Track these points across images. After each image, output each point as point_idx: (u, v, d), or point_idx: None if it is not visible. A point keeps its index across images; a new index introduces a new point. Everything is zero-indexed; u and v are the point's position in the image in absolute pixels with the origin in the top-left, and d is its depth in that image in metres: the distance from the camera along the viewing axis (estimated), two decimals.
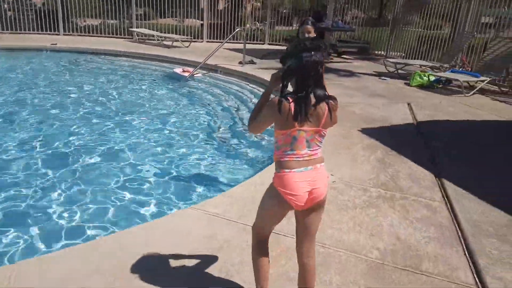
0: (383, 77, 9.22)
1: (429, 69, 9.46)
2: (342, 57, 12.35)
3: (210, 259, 2.53)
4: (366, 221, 3.13)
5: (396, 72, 9.54)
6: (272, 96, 1.94)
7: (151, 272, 2.38)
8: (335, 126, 1.99)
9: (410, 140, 5.11)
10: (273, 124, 1.89)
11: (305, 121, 1.79)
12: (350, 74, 9.46)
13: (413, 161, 4.35)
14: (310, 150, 1.85)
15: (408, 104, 6.86)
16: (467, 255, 2.77)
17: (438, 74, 8.68)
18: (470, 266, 2.66)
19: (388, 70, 9.86)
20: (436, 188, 3.77)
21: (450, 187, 3.75)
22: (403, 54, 12.21)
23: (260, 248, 2.10)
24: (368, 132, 5.21)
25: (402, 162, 4.34)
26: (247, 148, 5.13)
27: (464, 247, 2.86)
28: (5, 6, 13.69)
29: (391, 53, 12.75)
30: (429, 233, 3.02)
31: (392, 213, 3.28)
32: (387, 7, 15.98)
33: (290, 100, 1.76)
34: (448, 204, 3.47)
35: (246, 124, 1.87)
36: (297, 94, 1.78)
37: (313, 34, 4.07)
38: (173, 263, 2.49)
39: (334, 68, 10.10)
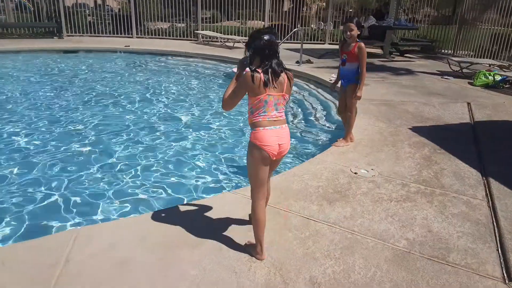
0: (445, 76, 8.89)
1: (496, 68, 8.93)
2: (406, 56, 12.03)
3: (246, 238, 2.77)
4: (400, 213, 3.20)
5: (460, 71, 9.14)
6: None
7: (193, 247, 2.69)
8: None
9: (462, 139, 4.98)
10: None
11: (272, 88, 2.32)
12: (409, 72, 9.24)
13: (461, 160, 4.28)
14: (278, 112, 2.39)
15: (468, 103, 6.61)
16: (499, 251, 2.75)
17: (505, 73, 8.19)
18: (500, 261, 2.64)
19: (452, 69, 9.48)
20: (481, 186, 3.70)
21: (495, 186, 3.67)
22: (472, 53, 11.59)
23: (262, 211, 2.50)
24: (418, 130, 5.16)
25: (449, 160, 4.29)
26: (292, 144, 5.33)
27: (498, 243, 2.84)
28: (87, 11, 15.13)
29: (459, 52, 12.17)
30: (464, 228, 3.02)
31: (429, 208, 3.30)
32: (461, 4, 15.22)
33: (260, 71, 2.28)
34: (489, 202, 3.41)
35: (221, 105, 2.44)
36: (263, 68, 2.29)
37: (355, 32, 4.16)
38: (214, 237, 2.77)
39: (393, 66, 9.92)
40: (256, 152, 2.38)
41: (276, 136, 2.36)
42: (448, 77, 8.79)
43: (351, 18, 4.26)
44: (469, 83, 8.28)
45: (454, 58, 9.88)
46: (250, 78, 2.28)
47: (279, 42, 10.09)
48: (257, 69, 2.30)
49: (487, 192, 3.59)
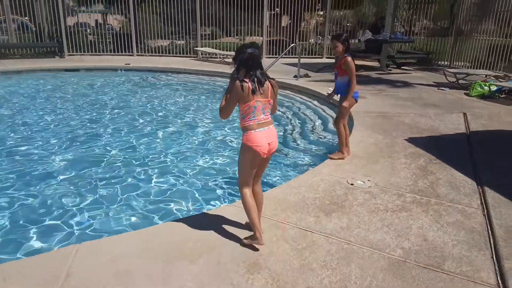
0: (441, 88, 9.00)
1: (492, 78, 9.05)
2: (402, 68, 12.18)
3: (243, 250, 2.82)
4: (396, 223, 3.24)
5: (456, 82, 9.26)
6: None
7: (192, 260, 2.73)
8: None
9: (457, 149, 5.04)
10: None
11: (259, 94, 2.62)
12: (406, 84, 9.36)
13: (456, 170, 4.34)
14: (265, 115, 2.70)
15: (464, 114, 6.69)
16: (494, 258, 2.79)
17: (500, 83, 8.29)
18: (495, 268, 2.68)
19: (448, 81, 9.59)
20: (476, 195, 3.75)
21: (490, 194, 3.72)
22: (468, 64, 11.74)
23: (251, 197, 2.79)
24: (414, 141, 5.23)
25: (444, 170, 4.34)
26: (290, 157, 5.40)
27: (493, 251, 2.87)
28: (88, 30, 15.39)
29: (455, 63, 12.32)
30: (459, 237, 3.06)
31: (424, 217, 3.35)
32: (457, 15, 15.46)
33: (247, 81, 2.57)
34: (484, 210, 3.46)
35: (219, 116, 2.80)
36: (250, 78, 2.58)
37: (340, 48, 4.27)
38: (212, 250, 2.81)
39: (390, 79, 10.05)
40: (248, 152, 2.68)
41: (265, 136, 2.69)
42: (444, 89, 8.90)
43: (336, 35, 4.42)
44: (465, 93, 8.38)
45: (450, 70, 10.00)
46: (240, 87, 2.57)
47: (277, 57, 10.26)
48: (244, 79, 2.59)
49: (482, 200, 3.64)
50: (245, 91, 2.57)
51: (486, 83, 8.21)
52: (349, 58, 4.29)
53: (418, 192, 3.82)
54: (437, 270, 2.66)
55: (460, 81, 9.20)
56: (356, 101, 4.57)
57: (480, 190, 3.85)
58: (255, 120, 2.66)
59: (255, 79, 2.59)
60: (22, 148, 5.55)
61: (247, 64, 2.61)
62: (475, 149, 5.03)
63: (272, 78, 2.71)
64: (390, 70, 11.77)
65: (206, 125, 6.82)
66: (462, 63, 12.04)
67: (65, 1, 14.77)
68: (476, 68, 11.05)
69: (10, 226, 3.60)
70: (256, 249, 2.81)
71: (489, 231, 3.13)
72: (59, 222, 3.69)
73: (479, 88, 8.13)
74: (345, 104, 4.44)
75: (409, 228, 3.17)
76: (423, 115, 6.60)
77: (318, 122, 6.89)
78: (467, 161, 4.62)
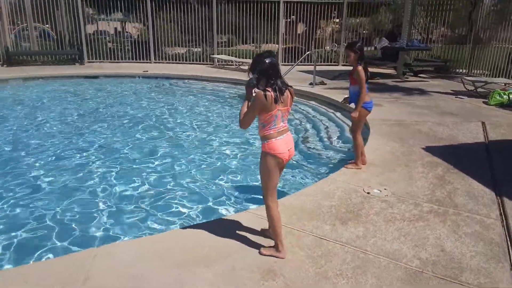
0: (459, 96, 8.89)
1: (511, 87, 8.89)
2: (419, 76, 12.08)
3: (258, 257, 2.83)
4: (412, 233, 3.21)
5: (474, 90, 9.13)
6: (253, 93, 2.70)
7: (207, 265, 2.76)
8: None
9: (476, 159, 4.97)
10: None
11: (280, 103, 2.64)
12: (423, 92, 9.27)
13: (475, 179, 4.27)
14: (283, 123, 2.73)
15: (482, 123, 6.59)
16: None
17: None
18: None
19: (466, 89, 9.47)
20: (495, 206, 3.69)
21: (509, 205, 3.66)
22: (487, 72, 11.56)
23: (277, 207, 2.82)
24: (431, 150, 5.17)
25: (462, 179, 4.29)
26: (305, 164, 5.40)
27: None
28: (107, 38, 15.70)
29: (473, 71, 12.15)
30: (477, 248, 3.01)
31: (441, 227, 3.31)
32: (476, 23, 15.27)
33: (269, 90, 2.58)
34: (503, 221, 3.40)
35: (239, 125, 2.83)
36: (271, 87, 2.59)
37: (353, 57, 4.26)
38: (228, 256, 2.84)
39: (406, 87, 9.97)
40: (272, 161, 2.71)
41: (285, 143, 2.73)
42: (462, 97, 8.78)
43: (349, 44, 4.41)
44: (483, 102, 8.26)
45: (468, 78, 9.87)
46: (263, 97, 2.58)
47: (293, 64, 10.28)
48: (266, 89, 2.60)
49: (501, 211, 3.58)
50: (268, 100, 2.58)
51: (506, 92, 8.08)
52: (360, 67, 4.27)
53: (436, 201, 3.77)
54: (454, 281, 2.62)
55: (479, 90, 9.07)
56: (369, 112, 4.49)
57: (499, 200, 3.79)
58: (275, 129, 2.69)
59: (276, 88, 2.60)
60: (43, 150, 5.69)
61: (268, 73, 2.62)
62: (494, 158, 4.95)
63: (290, 86, 2.73)
64: (407, 78, 11.68)
65: (221, 132, 6.88)
66: (481, 71, 11.87)
67: (85, 10, 15.13)
68: (495, 77, 10.88)
69: (28, 228, 3.68)
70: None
71: (508, 243, 3.08)
72: (77, 225, 3.76)
73: (498, 97, 8.01)
74: (353, 114, 4.41)
75: (426, 239, 3.14)
76: (441, 123, 6.52)
77: (334, 130, 6.87)
78: (486, 171, 4.55)
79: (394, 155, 4.96)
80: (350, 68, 4.54)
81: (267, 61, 2.61)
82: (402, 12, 13.80)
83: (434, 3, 14.14)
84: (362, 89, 4.31)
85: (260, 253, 2.85)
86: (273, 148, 2.69)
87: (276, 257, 2.79)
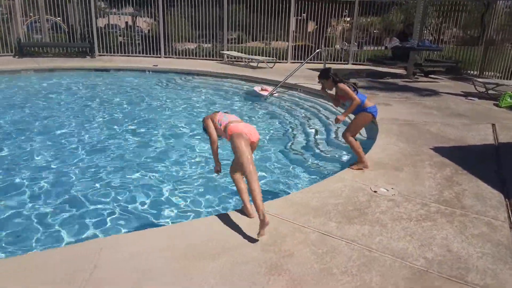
0: (470, 98, 8.82)
1: None
2: (430, 77, 11.99)
3: (264, 252, 2.85)
4: (419, 232, 3.21)
5: (486, 92, 9.05)
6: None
7: (213, 258, 2.78)
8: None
9: (485, 161, 4.93)
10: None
11: None
12: (433, 93, 9.20)
13: (483, 181, 4.25)
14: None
15: (493, 125, 6.54)
16: None
17: None
18: None
19: (477, 90, 9.39)
20: (503, 208, 3.67)
21: None
22: (498, 75, 11.45)
23: (241, 178, 3.32)
24: (440, 150, 5.15)
25: (470, 181, 4.26)
26: (312, 162, 5.40)
27: None
28: (118, 32, 15.79)
29: (485, 73, 12.04)
30: (484, 249, 3.00)
31: (448, 228, 3.30)
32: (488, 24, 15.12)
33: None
34: (511, 223, 3.38)
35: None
36: None
37: (324, 84, 4.57)
38: (234, 250, 2.86)
39: (416, 87, 9.91)
40: (240, 138, 3.14)
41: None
42: (473, 99, 8.71)
43: (319, 75, 4.60)
44: (494, 104, 8.19)
45: (479, 79, 9.78)
46: None
47: (303, 62, 10.27)
48: None
49: (509, 214, 3.56)
50: None
51: None
52: (340, 84, 4.38)
53: (443, 202, 3.76)
54: (460, 282, 2.62)
55: (490, 92, 8.99)
56: (373, 116, 4.46)
57: (508, 203, 3.77)
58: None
59: None
60: (57, 137, 5.76)
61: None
62: (504, 161, 4.91)
63: None
64: (417, 78, 11.60)
65: None
66: (492, 73, 11.76)
67: (97, 3, 15.22)
68: (507, 79, 10.77)
69: (35, 217, 3.74)
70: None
71: None
72: (85, 215, 3.81)
73: (509, 99, 7.93)
74: (340, 117, 4.43)
75: (433, 238, 3.13)
76: (450, 124, 6.48)
77: (342, 128, 6.85)
78: (495, 173, 4.51)
79: (402, 155, 4.94)
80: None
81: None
82: (414, 12, 13.69)
83: (447, 3, 14.02)
84: (353, 97, 4.31)
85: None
86: (237, 130, 3.23)
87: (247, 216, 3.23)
